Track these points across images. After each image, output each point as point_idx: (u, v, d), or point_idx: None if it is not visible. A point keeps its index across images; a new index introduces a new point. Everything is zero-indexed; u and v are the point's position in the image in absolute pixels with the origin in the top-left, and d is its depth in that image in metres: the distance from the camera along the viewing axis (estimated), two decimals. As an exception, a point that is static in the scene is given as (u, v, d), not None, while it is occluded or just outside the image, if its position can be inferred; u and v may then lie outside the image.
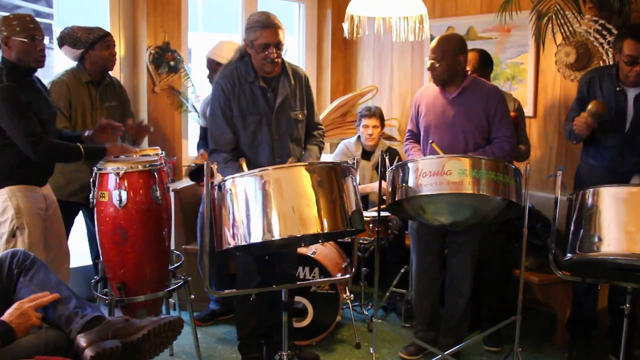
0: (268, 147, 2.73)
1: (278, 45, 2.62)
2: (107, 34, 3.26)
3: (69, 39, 3.20)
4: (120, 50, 3.82)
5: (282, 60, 2.74)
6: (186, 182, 3.77)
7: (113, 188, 2.60)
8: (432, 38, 4.13)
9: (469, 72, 2.99)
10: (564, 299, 3.24)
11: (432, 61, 2.86)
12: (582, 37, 3.55)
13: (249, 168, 2.58)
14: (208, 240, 2.20)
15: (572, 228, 2.35)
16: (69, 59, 3.30)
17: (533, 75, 3.84)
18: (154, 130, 3.82)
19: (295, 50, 4.90)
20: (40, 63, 2.62)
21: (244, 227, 2.09)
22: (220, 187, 2.18)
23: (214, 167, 2.20)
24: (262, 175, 2.10)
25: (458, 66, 2.85)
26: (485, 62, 3.32)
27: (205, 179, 2.19)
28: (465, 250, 2.98)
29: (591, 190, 2.34)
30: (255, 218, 2.07)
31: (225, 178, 2.17)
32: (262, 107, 2.72)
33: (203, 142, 3.33)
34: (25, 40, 2.55)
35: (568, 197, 2.46)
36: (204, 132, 3.42)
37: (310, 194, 2.07)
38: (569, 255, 2.34)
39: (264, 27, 2.59)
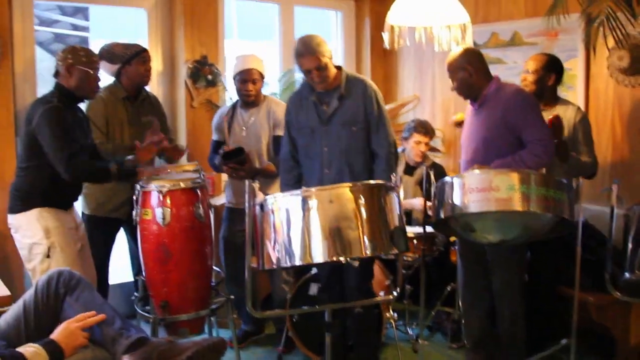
0: (319, 158, 2.92)
1: (318, 68, 2.84)
2: (143, 50, 3.38)
3: (106, 54, 3.35)
4: (157, 65, 3.95)
5: (341, 73, 2.93)
6: (223, 198, 3.83)
7: (156, 206, 2.68)
8: (475, 46, 4.18)
9: (534, 79, 3.13)
10: (623, 322, 3.14)
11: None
12: (636, 39, 3.48)
13: (305, 179, 2.84)
14: (249, 260, 2.26)
15: (630, 246, 2.31)
16: (107, 75, 3.43)
17: (583, 81, 3.78)
18: (193, 145, 3.94)
19: (334, 59, 4.94)
20: (94, 94, 2.88)
21: (285, 249, 2.13)
22: (262, 206, 2.23)
23: (256, 185, 2.27)
24: (306, 196, 2.14)
25: (469, 78, 2.92)
26: (550, 67, 3.25)
27: (247, 197, 2.25)
28: (505, 266, 2.94)
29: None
30: (297, 240, 2.11)
31: (267, 197, 2.24)
32: (314, 120, 2.93)
33: (215, 156, 3.41)
34: (90, 71, 2.78)
35: (625, 213, 2.42)
36: (215, 145, 3.52)
37: (353, 216, 2.10)
38: (627, 275, 2.30)
39: (301, 56, 2.85)
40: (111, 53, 3.34)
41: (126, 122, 3.36)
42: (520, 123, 2.79)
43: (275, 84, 4.39)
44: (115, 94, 3.35)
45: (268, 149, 3.43)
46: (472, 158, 2.94)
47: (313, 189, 2.19)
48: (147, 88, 3.53)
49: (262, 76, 3.40)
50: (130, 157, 3.00)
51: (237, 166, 3.18)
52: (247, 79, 3.34)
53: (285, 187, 3.07)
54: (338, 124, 2.91)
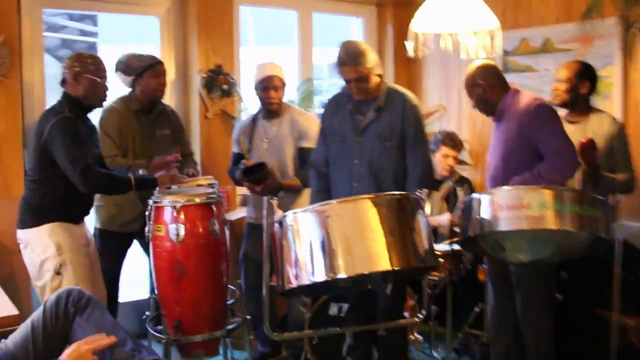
0: (348, 170, 2.91)
1: (358, 79, 2.83)
2: (157, 63, 3.43)
3: (122, 65, 3.42)
4: (170, 74, 3.98)
5: (382, 83, 2.92)
6: (240, 212, 3.88)
7: (170, 222, 2.72)
8: (505, 53, 4.19)
9: (566, 88, 3.14)
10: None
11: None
12: (678, 43, 3.45)
13: (332, 191, 2.85)
14: (267, 278, 2.29)
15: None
16: (124, 86, 3.51)
17: (621, 89, 3.76)
18: (208, 158, 3.98)
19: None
20: (102, 103, 2.92)
21: (306, 266, 2.14)
22: (281, 223, 2.24)
23: (275, 202, 2.30)
24: (325, 210, 2.15)
25: (484, 94, 2.96)
26: (583, 75, 3.24)
27: (265, 213, 2.28)
28: (529, 283, 2.91)
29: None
30: (319, 255, 2.11)
31: (286, 213, 2.25)
32: (347, 129, 2.93)
33: (236, 170, 3.41)
34: (97, 79, 2.82)
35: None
36: (236, 158, 3.54)
37: (377, 228, 2.10)
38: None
39: (342, 65, 2.84)
40: (126, 65, 3.41)
41: (139, 135, 3.42)
42: (536, 134, 2.78)
43: (294, 92, 4.43)
44: (129, 105, 3.42)
45: (292, 162, 3.43)
46: (494, 175, 2.95)
47: (333, 202, 2.22)
48: (163, 100, 3.57)
49: (283, 84, 3.41)
50: (142, 171, 3.06)
51: (258, 183, 3.18)
52: (269, 86, 3.35)
53: (315, 195, 3.05)
54: (372, 136, 2.90)
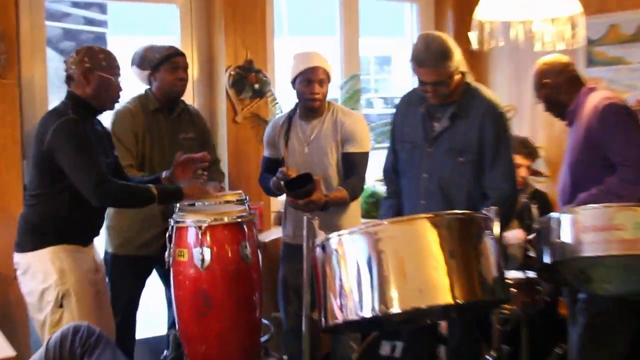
0: (415, 184, 2.92)
1: (435, 83, 2.81)
2: (175, 54, 3.45)
3: (137, 58, 3.47)
4: (193, 71, 4.04)
5: (462, 84, 2.88)
6: (276, 232, 3.86)
7: (194, 245, 2.76)
8: (589, 42, 4.15)
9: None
10: None
11: None
12: None
13: (403, 207, 2.84)
14: (307, 309, 2.31)
15: None
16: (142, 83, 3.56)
17: None
18: (237, 169, 4.02)
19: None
20: (114, 104, 2.94)
21: (354, 298, 2.14)
22: (323, 246, 2.26)
23: (316, 223, 2.30)
24: (376, 232, 2.16)
25: (552, 94, 3.01)
26: None
27: (305, 235, 2.30)
28: (586, 315, 2.88)
29: None
30: (368, 286, 2.11)
31: (329, 236, 2.26)
32: (418, 136, 2.93)
33: (268, 177, 3.40)
34: (111, 77, 2.83)
35: None
36: (267, 163, 3.52)
37: (437, 254, 2.10)
38: None
39: (419, 64, 2.81)
40: (142, 57, 3.45)
41: (158, 139, 3.43)
42: (604, 139, 2.78)
43: (336, 91, 4.45)
44: (145, 105, 3.44)
45: (337, 170, 3.39)
46: (562, 188, 2.95)
47: (385, 222, 2.23)
48: (185, 99, 3.62)
49: (329, 77, 3.39)
50: (165, 173, 3.06)
51: (304, 197, 3.12)
52: (313, 78, 3.30)
53: (385, 203, 3.16)
54: (443, 148, 2.87)
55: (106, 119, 3.24)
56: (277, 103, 4.18)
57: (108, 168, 2.89)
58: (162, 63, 3.41)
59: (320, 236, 2.29)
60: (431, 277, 2.09)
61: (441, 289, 2.08)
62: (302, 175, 3.12)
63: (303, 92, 3.32)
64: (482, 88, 2.97)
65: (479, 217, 2.26)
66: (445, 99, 2.87)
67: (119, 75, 2.88)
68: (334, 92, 4.40)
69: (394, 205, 3.08)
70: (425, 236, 2.13)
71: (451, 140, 2.86)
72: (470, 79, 2.95)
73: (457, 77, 2.85)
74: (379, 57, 13.18)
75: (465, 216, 2.26)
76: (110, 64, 2.84)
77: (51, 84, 3.75)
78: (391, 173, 3.14)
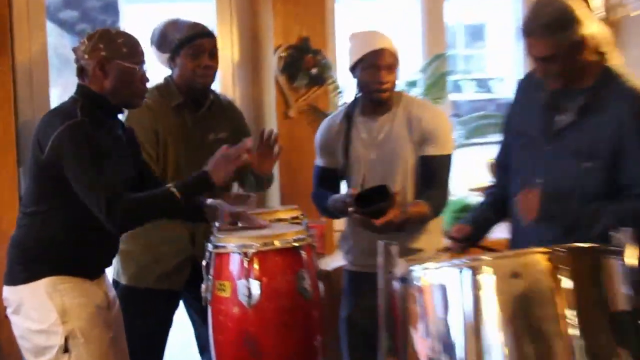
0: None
1: (548, 59, 2.64)
2: (198, 35, 3.35)
3: (156, 36, 3.42)
4: (232, 53, 4.03)
5: (598, 66, 2.72)
6: (338, 259, 3.82)
7: (238, 276, 2.71)
8: None
9: None
10: None
11: None
12: None
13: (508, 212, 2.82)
14: (384, 358, 2.26)
15: None
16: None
17: None
18: (290, 178, 4.00)
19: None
20: (140, 102, 2.91)
21: (442, 348, 2.14)
22: (404, 279, 2.23)
23: (395, 249, 2.24)
24: (473, 267, 2.13)
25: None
26: None
27: (380, 263, 2.24)
28: None
29: None
30: (460, 337, 2.11)
31: (412, 267, 2.23)
32: (536, 129, 2.80)
33: (325, 194, 3.33)
34: (134, 67, 2.78)
35: None
36: (321, 174, 3.47)
37: (559, 303, 2.07)
38: None
39: (526, 35, 2.66)
40: (162, 35, 3.40)
41: (182, 141, 3.40)
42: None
43: (415, 76, 4.43)
44: (167, 97, 3.40)
45: (413, 178, 3.33)
46: None
47: (486, 257, 2.18)
48: (217, 89, 3.61)
49: (397, 61, 3.34)
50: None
51: (378, 216, 3.05)
52: (380, 64, 3.25)
53: (479, 208, 3.11)
54: (566, 149, 2.72)
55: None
56: (340, 92, 4.16)
57: (131, 182, 2.89)
58: (182, 46, 3.35)
59: (401, 266, 2.26)
60: (546, 330, 2.07)
61: (558, 346, 2.06)
62: (376, 188, 3.08)
63: (367, 82, 3.29)
64: (628, 74, 2.76)
65: (610, 250, 2.16)
66: (569, 83, 2.71)
67: (143, 62, 2.85)
68: (410, 77, 4.40)
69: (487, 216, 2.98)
70: (540, 276, 2.11)
71: (578, 139, 2.70)
72: (615, 61, 2.76)
73: (589, 56, 2.66)
74: (470, 26, 13.07)
75: (594, 249, 2.19)
76: (132, 50, 2.81)
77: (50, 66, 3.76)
78: (500, 169, 3.05)
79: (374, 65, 3.25)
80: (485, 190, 3.28)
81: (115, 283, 3.36)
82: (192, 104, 3.43)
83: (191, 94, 3.41)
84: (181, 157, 3.38)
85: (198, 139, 3.42)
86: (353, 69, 3.34)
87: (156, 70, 3.32)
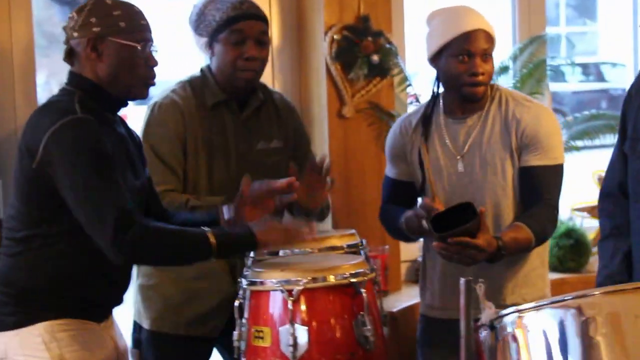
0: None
1: None
2: (241, 17, 3.33)
3: (194, 15, 3.42)
4: (272, 36, 4.02)
5: None
6: (409, 295, 3.90)
7: (280, 321, 2.76)
8: None
9: None
10: None
11: None
12: None
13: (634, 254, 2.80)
14: None
15: None
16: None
17: None
18: (345, 191, 4.04)
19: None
20: (146, 92, 2.85)
21: None
22: (492, 326, 2.27)
23: (481, 289, 2.29)
24: (581, 307, 2.15)
25: None
26: None
27: (462, 304, 2.29)
28: None
29: None
30: None
31: (504, 311, 2.27)
32: None
33: (398, 210, 3.35)
34: (135, 45, 2.75)
35: None
36: (392, 188, 3.54)
37: None
38: None
39: None
40: (200, 15, 3.40)
41: (221, 151, 3.42)
42: None
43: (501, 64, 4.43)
44: (201, 95, 3.43)
45: (513, 194, 3.36)
46: None
47: (597, 292, 2.22)
48: (267, 83, 3.63)
49: (494, 45, 3.34)
50: (226, 211, 2.97)
51: (463, 243, 3.01)
52: (474, 50, 3.26)
53: (603, 245, 3.05)
54: None
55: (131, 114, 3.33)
56: (409, 85, 4.19)
57: (137, 194, 2.84)
58: (221, 29, 3.35)
59: (488, 310, 2.30)
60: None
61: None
62: (459, 207, 3.09)
63: (457, 74, 3.28)
64: None
65: None
66: None
67: (149, 40, 2.81)
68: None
69: (618, 247, 2.95)
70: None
71: None
72: None
73: None
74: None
75: None
76: (132, 24, 2.77)
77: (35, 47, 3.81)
78: (617, 193, 3.01)
79: (467, 52, 3.24)
80: (602, 224, 3.17)
81: (137, 326, 3.42)
82: (235, 104, 3.47)
83: (234, 91, 3.44)
84: (216, 172, 3.40)
85: (242, 149, 3.45)
86: (435, 57, 3.33)
87: (194, 58, 3.37)
